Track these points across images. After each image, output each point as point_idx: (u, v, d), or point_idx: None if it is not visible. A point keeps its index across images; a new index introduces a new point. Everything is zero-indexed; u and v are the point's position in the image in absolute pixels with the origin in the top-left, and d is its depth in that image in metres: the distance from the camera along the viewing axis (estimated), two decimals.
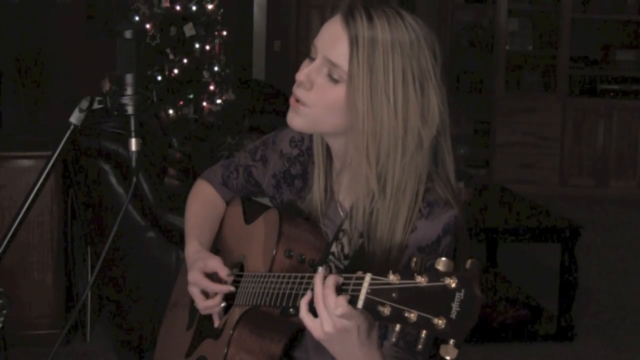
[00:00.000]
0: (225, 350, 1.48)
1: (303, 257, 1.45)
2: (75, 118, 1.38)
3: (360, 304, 1.15)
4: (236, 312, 1.52)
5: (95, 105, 1.39)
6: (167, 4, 5.38)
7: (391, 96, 1.35)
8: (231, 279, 1.56)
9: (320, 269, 1.24)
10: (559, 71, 7.07)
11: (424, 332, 1.07)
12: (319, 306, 1.21)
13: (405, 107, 1.36)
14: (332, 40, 1.39)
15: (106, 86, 5.15)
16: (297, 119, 1.44)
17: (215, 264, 1.57)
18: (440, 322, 1.05)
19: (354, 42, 1.36)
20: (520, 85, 7.31)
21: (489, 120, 7.28)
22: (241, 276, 1.55)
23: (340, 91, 1.38)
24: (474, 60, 7.52)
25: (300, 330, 1.50)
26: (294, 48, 8.00)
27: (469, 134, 7.43)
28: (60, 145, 1.37)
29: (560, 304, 3.86)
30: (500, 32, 7.08)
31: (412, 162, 1.38)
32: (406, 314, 1.08)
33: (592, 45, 7.27)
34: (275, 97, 6.42)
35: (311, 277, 1.31)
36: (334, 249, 1.47)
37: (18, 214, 1.34)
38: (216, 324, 1.59)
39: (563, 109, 7.03)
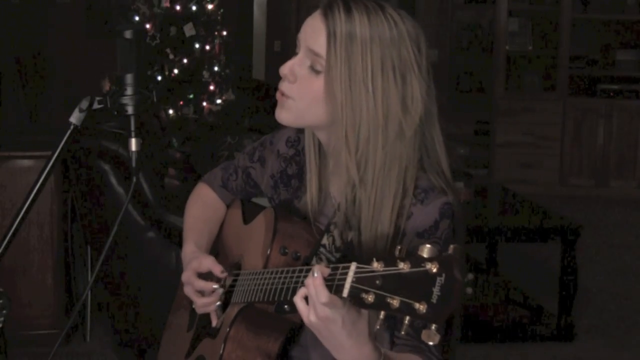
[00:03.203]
0: (222, 349, 1.48)
1: (298, 254, 1.46)
2: (75, 118, 1.38)
3: (345, 292, 1.16)
4: (233, 311, 1.52)
5: (95, 105, 1.39)
6: (167, 4, 5.38)
7: (370, 86, 1.37)
8: (225, 275, 1.56)
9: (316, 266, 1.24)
10: (559, 71, 7.06)
11: (407, 317, 1.08)
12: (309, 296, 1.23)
13: (385, 97, 1.37)
14: (313, 32, 1.42)
15: (106, 86, 5.15)
16: (283, 113, 1.47)
17: (209, 262, 1.58)
18: (421, 307, 1.06)
19: (331, 35, 1.38)
20: (520, 85, 7.31)
21: (489, 120, 7.28)
22: (238, 275, 1.55)
23: (323, 82, 1.40)
24: (474, 60, 7.51)
25: (298, 328, 1.50)
26: (294, 48, 8.00)
27: (469, 134, 7.43)
28: (60, 145, 1.37)
29: (560, 304, 3.86)
30: (500, 32, 7.08)
31: (394, 150, 1.39)
32: (389, 300, 1.09)
33: (592, 45, 7.27)
34: (275, 98, 6.40)
35: (301, 271, 1.32)
36: (325, 241, 1.48)
37: (18, 214, 1.34)
38: (214, 322, 1.59)
39: (563, 109, 7.03)
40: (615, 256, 5.34)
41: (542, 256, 5.06)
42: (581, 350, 3.82)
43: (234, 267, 1.62)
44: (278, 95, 1.47)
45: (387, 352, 1.33)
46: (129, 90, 1.38)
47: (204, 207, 1.79)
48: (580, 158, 7.07)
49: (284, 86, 1.45)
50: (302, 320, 1.26)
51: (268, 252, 1.46)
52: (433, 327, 1.07)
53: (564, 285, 3.84)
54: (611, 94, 7.06)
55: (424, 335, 1.08)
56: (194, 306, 1.62)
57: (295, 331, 1.51)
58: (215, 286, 1.56)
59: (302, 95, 1.43)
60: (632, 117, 7.01)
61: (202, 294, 1.59)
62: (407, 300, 1.07)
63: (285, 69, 1.45)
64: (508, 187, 4.87)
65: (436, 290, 1.06)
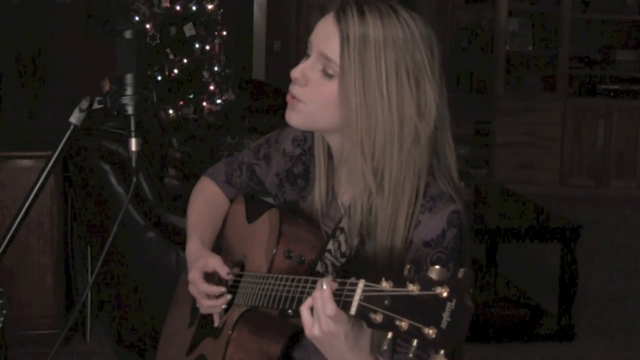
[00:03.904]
0: (224, 350, 1.48)
1: (303, 258, 1.45)
2: (75, 118, 1.38)
3: (353, 310, 1.14)
4: (235, 312, 1.52)
5: (95, 105, 1.39)
6: (167, 4, 5.38)
7: (384, 91, 1.35)
8: (230, 278, 1.56)
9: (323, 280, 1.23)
10: (559, 71, 7.06)
11: (415, 341, 1.07)
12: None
13: (399, 101, 1.36)
14: (325, 36, 1.40)
15: (106, 86, 5.15)
16: (294, 116, 1.45)
17: (216, 263, 1.57)
18: (431, 332, 1.04)
19: (344, 39, 1.36)
20: (520, 85, 7.31)
21: (489, 120, 7.28)
22: (242, 276, 1.55)
23: (335, 86, 1.38)
24: (474, 60, 7.51)
25: (300, 331, 1.50)
26: (294, 48, 8.00)
27: (469, 134, 7.43)
28: (60, 145, 1.37)
29: (560, 304, 3.86)
30: (500, 32, 7.08)
31: (410, 156, 1.38)
32: (397, 322, 1.07)
33: (592, 45, 7.27)
34: (275, 98, 6.42)
35: (307, 281, 1.32)
36: (330, 246, 1.47)
37: (18, 214, 1.34)
38: (216, 322, 1.59)
39: (563, 109, 7.03)
40: (615, 256, 5.33)
41: (542, 256, 5.06)
42: (581, 350, 3.82)
43: (236, 266, 1.62)
44: (289, 98, 1.45)
45: None
46: (129, 90, 1.38)
47: (207, 202, 1.79)
48: (580, 158, 7.07)
49: (295, 89, 1.43)
50: None
51: (272, 254, 1.45)
52: (441, 352, 1.05)
53: (564, 285, 3.83)
54: (611, 94, 7.06)
55: None
56: (197, 305, 1.62)
57: (297, 333, 1.51)
58: (224, 290, 1.55)
59: (314, 99, 1.41)
60: (632, 117, 7.01)
61: (207, 295, 1.59)
62: (416, 323, 1.06)
63: (296, 72, 1.43)
64: (508, 187, 4.87)
65: (446, 316, 1.04)
